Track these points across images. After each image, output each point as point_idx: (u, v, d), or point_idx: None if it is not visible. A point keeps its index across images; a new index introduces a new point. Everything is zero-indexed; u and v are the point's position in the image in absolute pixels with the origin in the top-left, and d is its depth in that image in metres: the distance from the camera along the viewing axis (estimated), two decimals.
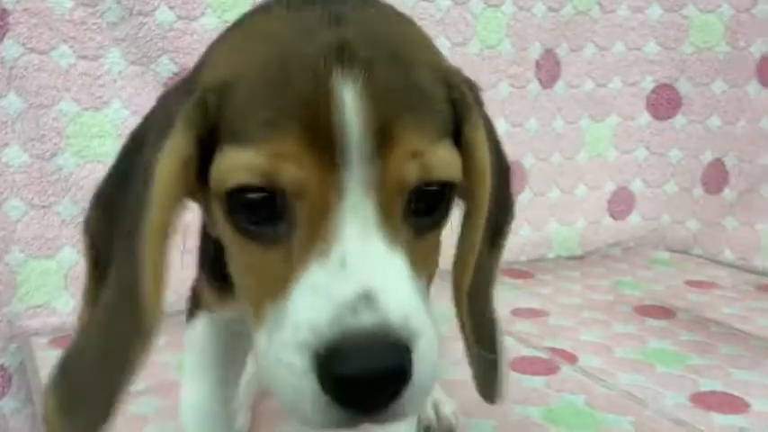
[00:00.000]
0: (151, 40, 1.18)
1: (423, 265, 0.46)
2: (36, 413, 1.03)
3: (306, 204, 0.42)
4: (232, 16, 1.22)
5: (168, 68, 1.20)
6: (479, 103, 0.52)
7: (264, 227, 0.43)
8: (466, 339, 0.54)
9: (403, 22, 0.49)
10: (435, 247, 0.50)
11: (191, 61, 1.20)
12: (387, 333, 0.39)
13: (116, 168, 0.50)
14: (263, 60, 0.43)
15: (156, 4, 1.17)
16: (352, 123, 0.41)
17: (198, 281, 0.66)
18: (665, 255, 1.67)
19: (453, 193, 0.47)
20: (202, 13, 1.21)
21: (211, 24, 1.22)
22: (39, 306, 1.17)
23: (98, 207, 0.50)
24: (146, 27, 1.17)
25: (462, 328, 0.54)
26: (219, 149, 0.44)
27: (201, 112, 0.44)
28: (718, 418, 0.90)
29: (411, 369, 0.40)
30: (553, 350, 1.10)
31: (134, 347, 0.46)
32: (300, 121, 0.41)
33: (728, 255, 1.63)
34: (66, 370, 0.49)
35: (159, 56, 1.19)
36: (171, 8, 1.18)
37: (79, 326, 0.50)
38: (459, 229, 0.52)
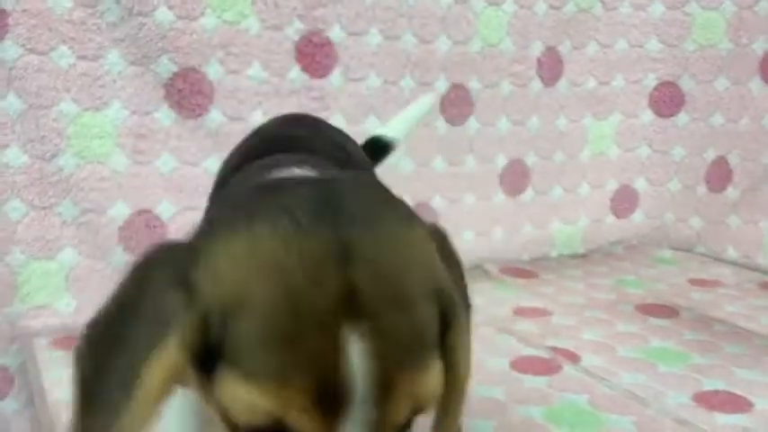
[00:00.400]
0: (151, 40, 1.17)
1: None
2: (37, 414, 1.03)
3: None
4: (231, 16, 1.23)
5: (168, 68, 1.20)
6: (467, 304, 0.54)
7: None
8: None
9: (406, 234, 0.48)
10: None
11: (190, 61, 1.21)
12: None
13: (106, 314, 0.49)
14: (271, 297, 0.43)
15: (155, 4, 1.16)
16: (359, 379, 0.42)
17: None
18: (669, 253, 1.66)
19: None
20: (202, 13, 1.21)
21: (211, 24, 1.22)
22: (40, 307, 1.17)
23: (88, 343, 0.48)
24: (145, 27, 1.16)
25: None
26: (222, 370, 0.44)
27: (200, 334, 0.44)
28: (721, 418, 0.90)
29: None
30: (555, 349, 1.10)
31: None
32: (310, 374, 0.42)
33: (732, 253, 1.62)
34: None
35: (159, 56, 1.19)
36: (170, 8, 1.18)
37: None
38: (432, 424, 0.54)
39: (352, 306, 0.43)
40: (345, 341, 0.42)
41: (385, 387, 0.43)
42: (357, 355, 0.42)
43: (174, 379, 0.44)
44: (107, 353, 0.46)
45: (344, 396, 0.42)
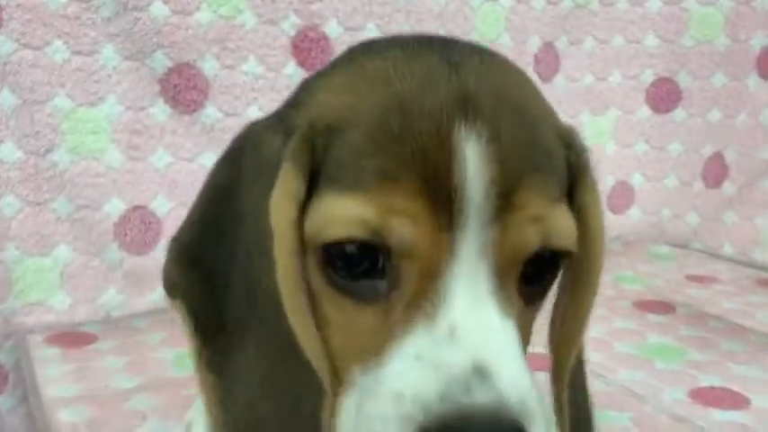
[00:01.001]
0: (146, 35, 1.17)
1: (525, 338, 0.44)
2: (32, 411, 1.02)
3: (414, 265, 0.39)
4: (227, 11, 1.22)
5: (163, 64, 1.19)
6: (592, 166, 0.49)
7: (362, 283, 0.40)
8: (562, 424, 0.51)
9: (518, 73, 0.45)
10: (534, 320, 0.46)
11: (186, 56, 1.20)
12: (503, 414, 0.35)
13: (201, 220, 0.46)
14: (379, 105, 0.39)
15: None
16: (474, 183, 0.37)
17: None
18: (666, 249, 1.66)
19: (562, 262, 0.44)
20: (197, 8, 1.20)
21: (206, 19, 1.21)
22: (34, 303, 1.16)
23: (186, 266, 0.45)
24: (140, 22, 1.16)
25: (560, 410, 0.51)
26: (318, 195, 0.40)
27: (308, 152, 0.40)
28: (717, 414, 0.89)
29: None
30: None
31: (316, 406, 0.40)
32: (418, 174, 0.37)
33: (728, 249, 1.62)
34: None
35: (154, 51, 1.18)
36: (165, 3, 1.17)
37: (215, 400, 0.43)
38: (560, 299, 0.49)
39: (467, 108, 0.38)
40: (459, 138, 0.37)
41: (505, 199, 0.38)
42: (472, 154, 0.37)
43: (300, 215, 0.40)
44: (228, 225, 0.43)
45: (457, 203, 0.37)
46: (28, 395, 1.07)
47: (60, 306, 1.17)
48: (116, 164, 1.19)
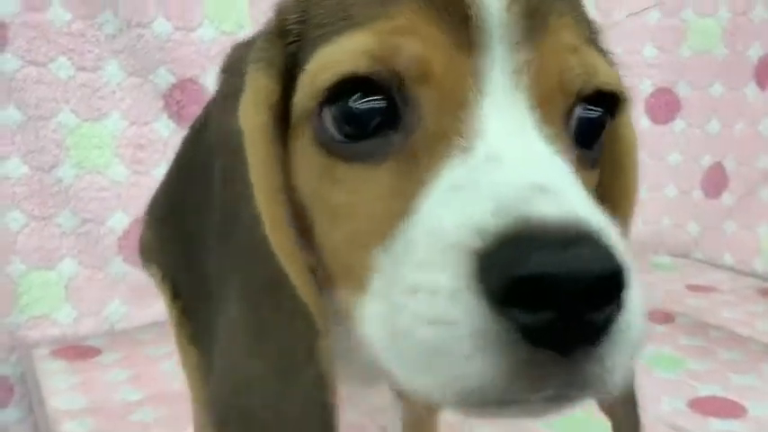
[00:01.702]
0: (149, 51, 1.18)
1: None
2: (37, 423, 1.03)
3: (433, 93, 0.32)
4: (229, 27, 1.24)
5: (166, 79, 1.21)
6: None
7: (372, 141, 0.33)
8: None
9: None
10: (591, 189, 0.38)
11: (189, 72, 1.21)
12: (581, 227, 0.28)
13: (174, 174, 0.42)
14: None
15: (153, 15, 1.17)
16: None
17: None
18: (666, 259, 1.67)
19: (607, 124, 0.38)
20: (200, 24, 1.22)
21: (209, 35, 1.23)
22: (39, 317, 1.17)
23: (159, 225, 0.41)
24: (143, 39, 1.17)
25: None
26: (306, 63, 0.35)
27: (278, 48, 0.37)
28: (715, 424, 0.90)
29: (624, 286, 0.28)
30: None
31: (312, 352, 0.34)
32: None
33: (728, 259, 1.62)
34: (244, 423, 0.35)
35: (157, 67, 1.20)
36: (168, 19, 1.19)
37: (197, 377, 0.38)
38: None
39: None
40: None
41: (534, 19, 0.32)
42: None
43: (273, 117, 0.36)
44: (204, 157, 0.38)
45: (474, 19, 0.32)
46: (33, 407, 1.08)
47: (65, 319, 1.18)
48: (120, 178, 1.21)
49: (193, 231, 0.38)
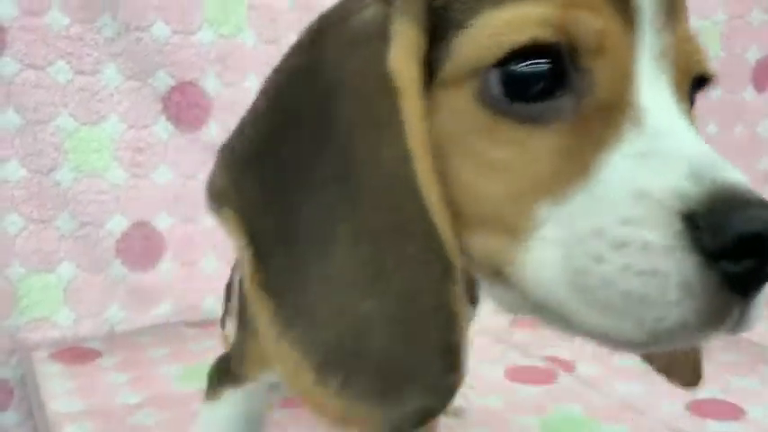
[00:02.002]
0: (148, 54, 1.18)
1: None
2: (37, 426, 1.04)
3: (606, 64, 0.35)
4: (228, 30, 1.25)
5: (165, 82, 1.21)
6: None
7: (542, 104, 0.35)
8: None
9: None
10: None
11: (188, 75, 1.22)
12: (755, 192, 0.33)
13: (264, 118, 0.41)
14: None
15: (152, 19, 1.18)
16: None
17: (237, 342, 0.59)
18: None
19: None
20: (199, 28, 1.22)
21: (207, 38, 1.23)
22: (39, 320, 1.17)
23: (239, 170, 0.40)
24: (142, 42, 1.18)
25: None
26: (460, 27, 0.36)
27: (423, 2, 0.38)
28: (714, 426, 0.90)
29: None
30: (552, 359, 1.11)
31: (444, 293, 0.35)
32: None
33: None
34: (357, 370, 0.34)
35: (156, 70, 1.20)
36: (167, 23, 1.19)
37: (277, 323, 0.36)
38: None
39: None
40: None
41: (672, 7, 0.37)
42: None
43: (420, 64, 0.37)
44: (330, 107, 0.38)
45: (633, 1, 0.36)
46: (33, 411, 1.08)
47: (64, 322, 1.19)
48: (119, 181, 1.21)
49: (287, 175, 0.38)
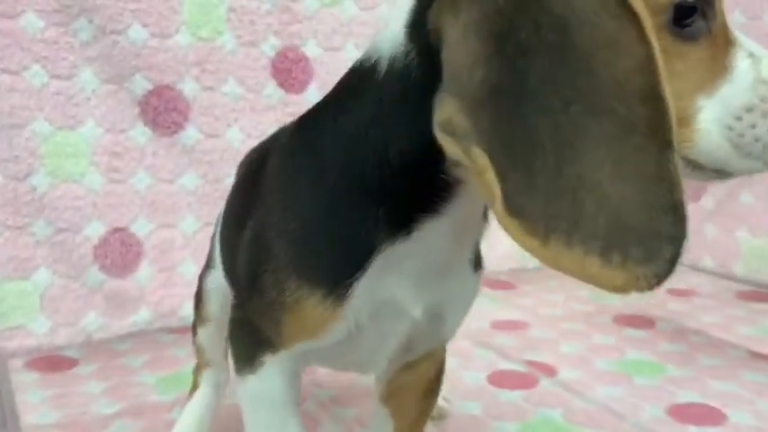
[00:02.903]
0: (124, 58, 1.17)
1: None
2: None
3: (718, 5, 0.49)
4: (207, 33, 1.23)
5: (142, 86, 1.20)
6: None
7: (692, 28, 0.48)
8: None
9: None
10: None
11: (166, 78, 1.21)
12: None
13: (497, 57, 0.43)
14: None
15: (128, 22, 1.16)
16: None
17: (261, 310, 0.58)
18: None
19: None
20: (176, 31, 1.21)
21: (185, 41, 1.22)
22: (15, 327, 1.16)
23: (475, 106, 0.43)
24: (119, 45, 1.16)
25: None
26: None
27: None
28: (694, 431, 0.90)
29: None
30: (532, 363, 1.10)
31: (672, 163, 0.42)
32: None
33: (709, 262, 1.63)
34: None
35: (133, 74, 1.19)
36: (144, 26, 1.18)
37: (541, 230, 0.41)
38: None
39: None
40: None
41: None
42: None
43: None
44: None
45: None
46: (6, 422, 1.06)
47: (41, 329, 1.17)
48: (96, 186, 1.19)
49: (528, 106, 0.42)
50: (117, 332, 1.21)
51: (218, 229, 0.81)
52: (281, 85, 1.32)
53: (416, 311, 0.56)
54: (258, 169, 0.65)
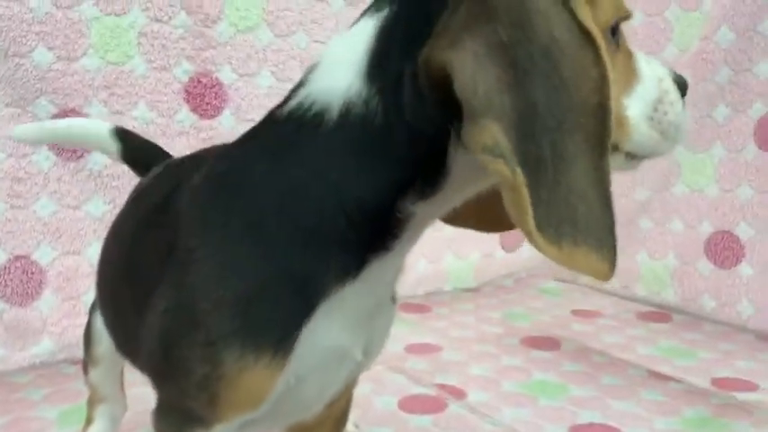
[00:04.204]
0: (28, 81, 1.14)
1: None
2: None
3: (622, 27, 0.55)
4: (115, 57, 1.21)
5: (47, 110, 1.16)
6: None
7: (614, 42, 0.54)
8: None
9: None
10: None
11: (71, 102, 1.18)
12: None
13: (518, 78, 0.47)
14: None
15: (33, 45, 1.13)
16: None
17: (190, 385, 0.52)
18: (553, 284, 1.73)
19: None
20: (84, 54, 1.18)
21: (93, 65, 1.19)
22: None
23: (522, 129, 0.47)
24: (22, 68, 1.13)
25: None
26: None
27: None
28: None
29: None
30: (443, 386, 1.12)
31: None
32: None
33: (614, 283, 1.70)
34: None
35: (37, 97, 1.15)
36: (50, 49, 1.15)
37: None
38: None
39: None
40: None
41: None
42: None
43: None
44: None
45: None
46: None
47: None
48: None
49: (539, 128, 0.46)
50: (17, 364, 1.16)
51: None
52: (194, 110, 1.31)
53: (359, 354, 0.56)
54: (158, 215, 0.60)
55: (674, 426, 1.00)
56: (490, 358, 1.26)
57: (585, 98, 0.47)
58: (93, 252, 1.22)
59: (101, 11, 1.20)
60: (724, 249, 1.52)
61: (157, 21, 1.25)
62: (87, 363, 0.83)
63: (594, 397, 1.10)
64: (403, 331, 1.38)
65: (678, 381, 1.16)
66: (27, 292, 1.17)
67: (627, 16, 0.55)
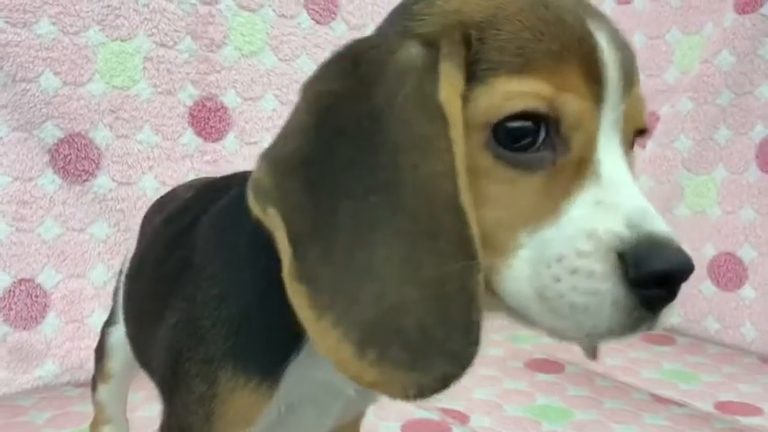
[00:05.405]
0: (35, 106, 1.15)
1: None
2: None
3: (581, 134, 0.45)
4: (121, 81, 1.23)
5: (53, 134, 1.18)
6: None
7: (529, 154, 0.45)
8: None
9: None
10: None
11: (77, 126, 1.19)
12: (675, 239, 0.43)
13: (306, 130, 0.45)
14: (526, 2, 0.46)
15: (39, 70, 1.14)
16: (613, 64, 0.45)
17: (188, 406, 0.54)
18: None
19: None
20: (90, 79, 1.20)
21: (99, 89, 1.20)
22: None
23: (284, 175, 0.44)
24: (29, 93, 1.14)
25: None
26: (481, 82, 0.45)
27: (464, 50, 0.45)
28: None
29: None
30: (445, 411, 1.12)
31: (468, 282, 0.42)
32: (578, 57, 0.45)
33: None
34: (401, 341, 0.41)
35: (44, 122, 1.16)
36: (56, 74, 1.16)
37: (314, 307, 0.42)
38: None
39: (587, 8, 0.47)
40: (594, 29, 0.46)
41: (627, 77, 0.46)
42: (605, 42, 0.45)
43: (460, 102, 0.44)
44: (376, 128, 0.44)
45: (604, 82, 0.45)
46: None
47: None
48: (2, 236, 1.16)
49: (330, 181, 0.43)
50: (21, 387, 1.16)
51: (121, 283, 0.78)
52: (199, 133, 1.32)
53: (350, 390, 0.57)
54: (181, 234, 0.62)
55: None
56: (492, 381, 1.25)
57: (427, 182, 0.43)
58: (98, 275, 1.22)
59: (107, 36, 1.21)
60: (727, 271, 1.52)
61: (163, 46, 1.27)
62: (97, 379, 0.83)
63: (598, 421, 1.09)
64: None
65: (682, 405, 1.15)
66: (31, 316, 1.17)
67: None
